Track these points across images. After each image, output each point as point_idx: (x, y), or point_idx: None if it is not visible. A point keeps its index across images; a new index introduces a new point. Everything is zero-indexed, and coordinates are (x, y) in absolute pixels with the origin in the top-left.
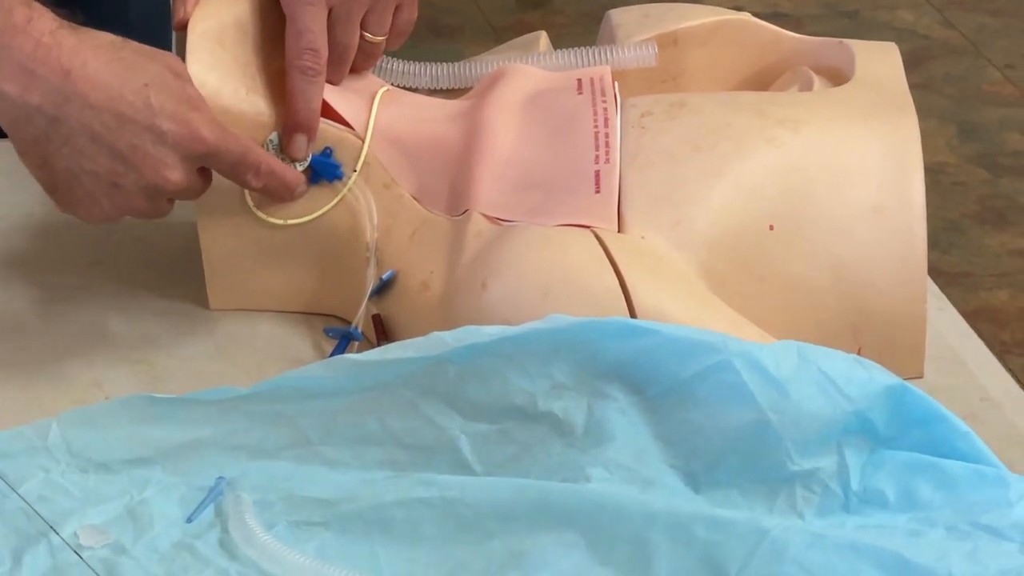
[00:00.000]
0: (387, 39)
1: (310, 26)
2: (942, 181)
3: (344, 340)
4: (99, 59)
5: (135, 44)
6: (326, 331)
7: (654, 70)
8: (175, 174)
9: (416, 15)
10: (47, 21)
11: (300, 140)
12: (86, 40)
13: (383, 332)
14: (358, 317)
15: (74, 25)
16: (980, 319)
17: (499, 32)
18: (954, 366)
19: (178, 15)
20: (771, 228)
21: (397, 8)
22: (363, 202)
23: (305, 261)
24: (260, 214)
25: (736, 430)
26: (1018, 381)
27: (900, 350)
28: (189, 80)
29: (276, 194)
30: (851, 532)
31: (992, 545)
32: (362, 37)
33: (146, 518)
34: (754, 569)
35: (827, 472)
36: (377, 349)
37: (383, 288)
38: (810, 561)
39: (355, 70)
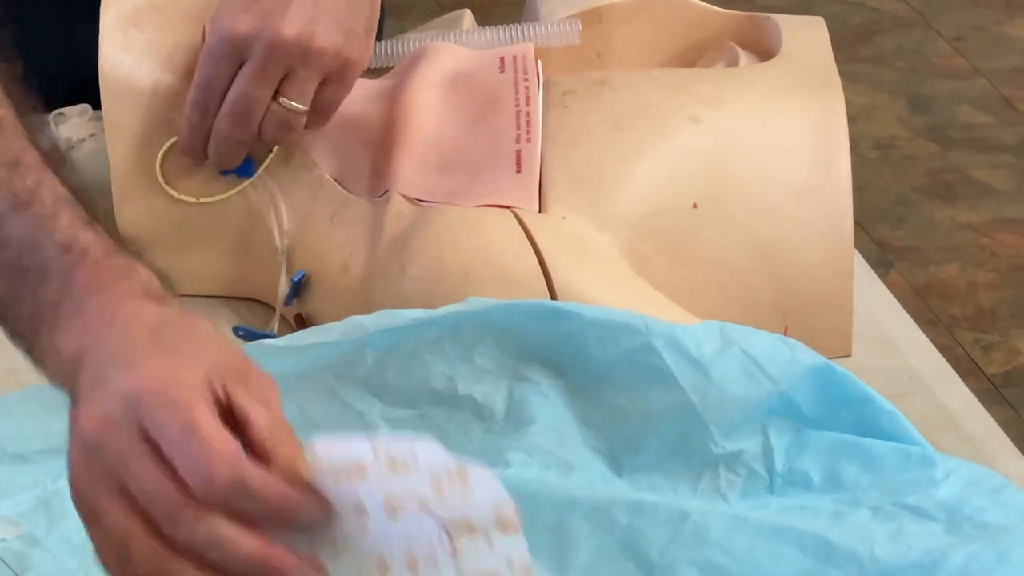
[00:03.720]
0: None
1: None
2: (892, 155)
3: None
4: None
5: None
6: (236, 331)
7: (580, 48)
8: None
9: (344, 96)
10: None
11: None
12: None
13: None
14: (273, 323)
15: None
16: (929, 293)
17: (448, 10)
18: (883, 345)
19: None
20: (694, 207)
21: (323, 83)
22: (272, 199)
23: (222, 243)
24: (170, 190)
25: (658, 413)
26: (967, 354)
27: (827, 330)
28: None
29: None
30: (774, 514)
31: (916, 525)
32: (279, 102)
33: (59, 509)
34: (675, 553)
35: (751, 454)
36: (296, 334)
37: (298, 289)
38: (732, 544)
39: (270, 139)
